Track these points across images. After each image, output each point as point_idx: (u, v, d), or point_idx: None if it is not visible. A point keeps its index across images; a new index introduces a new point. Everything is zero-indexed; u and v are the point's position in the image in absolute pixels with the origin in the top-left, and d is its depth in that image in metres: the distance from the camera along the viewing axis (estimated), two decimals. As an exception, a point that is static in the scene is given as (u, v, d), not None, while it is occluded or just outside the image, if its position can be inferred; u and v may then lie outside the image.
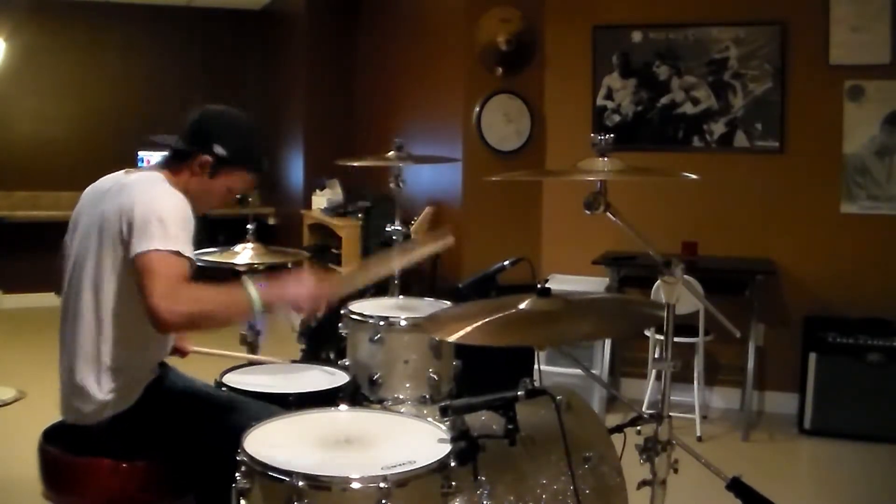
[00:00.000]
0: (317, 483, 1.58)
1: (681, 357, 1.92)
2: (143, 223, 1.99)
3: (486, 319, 1.85)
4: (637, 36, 4.96)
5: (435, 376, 2.61)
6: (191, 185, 2.19)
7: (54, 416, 2.20)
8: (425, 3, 5.79)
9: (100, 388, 2.09)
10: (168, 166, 2.21)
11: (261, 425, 1.85)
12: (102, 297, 2.08)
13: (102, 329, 2.09)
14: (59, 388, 2.18)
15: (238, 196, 2.32)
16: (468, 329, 1.83)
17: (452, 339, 1.85)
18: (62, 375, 2.16)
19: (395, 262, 2.49)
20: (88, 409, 2.10)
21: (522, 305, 1.90)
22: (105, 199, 2.13)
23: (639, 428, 1.88)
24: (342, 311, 2.75)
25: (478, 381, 2.39)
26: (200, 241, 2.59)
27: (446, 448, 1.73)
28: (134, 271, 1.98)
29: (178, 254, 1.97)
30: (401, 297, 2.93)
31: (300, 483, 1.57)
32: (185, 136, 2.21)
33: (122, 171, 2.22)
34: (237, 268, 3.25)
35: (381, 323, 2.60)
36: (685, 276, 1.78)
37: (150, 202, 2.02)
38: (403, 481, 1.61)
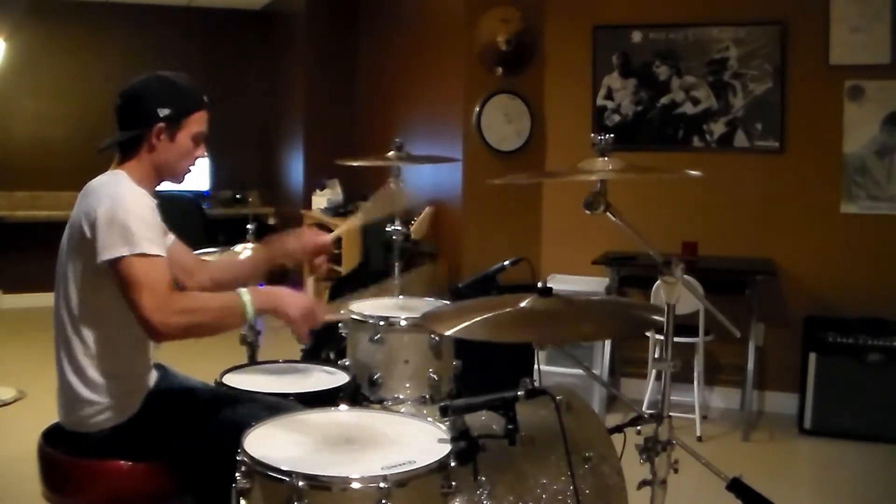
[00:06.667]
0: (317, 483, 1.58)
1: (681, 357, 1.92)
2: (107, 227, 1.97)
3: (487, 315, 1.84)
4: (637, 36, 4.96)
5: (435, 376, 2.60)
6: (159, 157, 2.17)
7: (54, 416, 2.20)
8: (425, 3, 5.79)
9: (96, 397, 2.08)
10: (124, 160, 2.18)
11: (261, 425, 1.85)
12: (72, 305, 2.08)
13: (83, 337, 2.08)
14: (56, 394, 2.17)
15: (202, 149, 2.25)
16: (467, 323, 1.82)
17: (451, 332, 1.84)
18: (58, 382, 2.16)
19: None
20: (87, 419, 2.10)
21: (523, 304, 1.90)
22: (78, 202, 2.11)
23: (639, 428, 1.88)
24: (342, 311, 2.74)
25: (478, 381, 2.38)
26: (200, 241, 2.59)
27: (446, 448, 1.73)
28: (115, 279, 1.97)
29: (153, 256, 1.97)
30: (401, 297, 2.93)
31: (300, 483, 1.57)
32: (126, 124, 2.19)
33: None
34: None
35: (381, 323, 2.60)
36: (685, 276, 1.78)
37: (113, 204, 1.99)
38: (403, 481, 1.60)
